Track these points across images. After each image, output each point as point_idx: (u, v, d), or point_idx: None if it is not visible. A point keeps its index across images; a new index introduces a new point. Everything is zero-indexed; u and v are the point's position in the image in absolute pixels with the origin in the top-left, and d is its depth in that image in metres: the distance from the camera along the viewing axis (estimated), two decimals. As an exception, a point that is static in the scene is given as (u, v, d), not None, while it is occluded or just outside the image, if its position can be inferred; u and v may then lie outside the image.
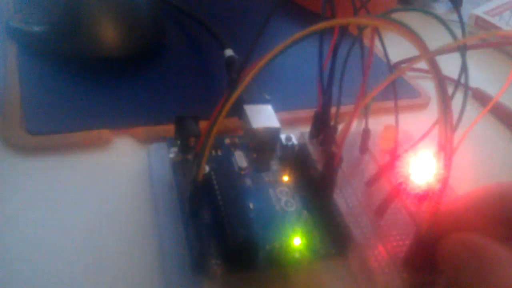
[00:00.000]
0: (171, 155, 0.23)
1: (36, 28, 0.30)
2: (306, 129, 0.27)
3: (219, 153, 0.24)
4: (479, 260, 0.17)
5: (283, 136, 0.25)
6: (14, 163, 0.23)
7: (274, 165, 0.24)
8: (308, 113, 0.27)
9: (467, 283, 0.17)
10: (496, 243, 0.17)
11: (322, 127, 0.26)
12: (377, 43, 0.24)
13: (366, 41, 0.24)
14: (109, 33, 0.30)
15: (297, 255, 0.20)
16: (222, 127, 0.18)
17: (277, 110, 0.24)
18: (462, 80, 0.22)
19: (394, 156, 0.26)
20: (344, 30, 0.23)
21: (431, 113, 0.35)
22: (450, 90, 0.20)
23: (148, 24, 0.33)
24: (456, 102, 0.21)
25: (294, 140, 0.26)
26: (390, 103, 0.30)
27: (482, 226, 0.19)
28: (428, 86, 0.37)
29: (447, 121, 0.16)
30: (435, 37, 0.23)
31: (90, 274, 0.19)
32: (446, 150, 0.16)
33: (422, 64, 0.16)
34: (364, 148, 0.27)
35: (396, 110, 0.25)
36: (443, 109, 0.16)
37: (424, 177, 0.25)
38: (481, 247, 0.17)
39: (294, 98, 0.32)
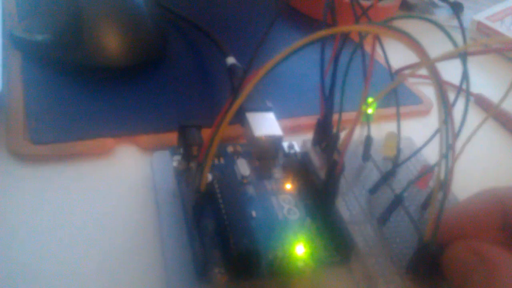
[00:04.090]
0: (174, 163, 0.23)
1: (39, 38, 0.31)
2: (309, 136, 0.27)
3: (222, 161, 0.24)
4: (488, 266, 0.17)
5: (285, 144, 0.26)
6: (18, 172, 0.24)
7: (277, 173, 0.24)
8: (310, 120, 0.27)
9: None
10: (503, 249, 0.17)
11: (325, 134, 0.26)
12: (378, 49, 0.24)
13: (368, 48, 0.24)
14: (112, 42, 0.30)
15: (300, 263, 0.20)
16: (224, 135, 0.18)
17: (279, 117, 0.24)
18: (464, 86, 0.22)
19: (396, 163, 0.26)
20: (345, 38, 0.23)
21: (434, 120, 0.35)
22: (452, 96, 0.21)
23: (150, 33, 0.33)
24: (458, 108, 0.21)
25: (297, 148, 0.26)
26: (392, 110, 0.30)
27: (480, 232, 0.19)
28: (430, 92, 0.37)
29: (448, 129, 0.16)
30: (437, 43, 0.23)
31: (93, 282, 0.19)
32: (448, 158, 0.16)
33: (424, 71, 0.16)
34: (366, 155, 0.27)
35: (398, 117, 0.25)
36: (444, 116, 0.16)
37: (427, 184, 0.25)
38: (490, 253, 0.17)
39: (296, 106, 0.32)
